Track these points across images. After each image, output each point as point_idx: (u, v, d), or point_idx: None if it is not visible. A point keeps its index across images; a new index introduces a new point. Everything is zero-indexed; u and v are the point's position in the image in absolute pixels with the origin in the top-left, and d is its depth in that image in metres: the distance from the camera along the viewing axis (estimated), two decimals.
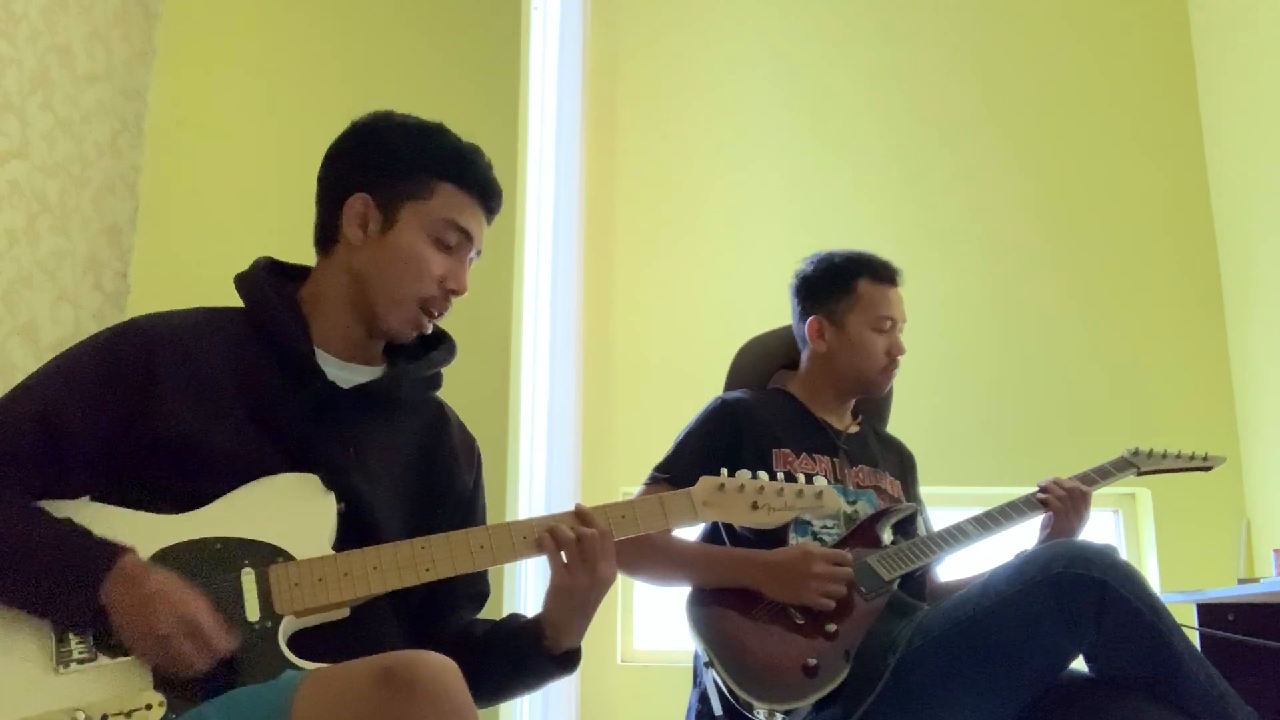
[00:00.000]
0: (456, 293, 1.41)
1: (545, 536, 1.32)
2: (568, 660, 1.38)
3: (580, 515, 1.34)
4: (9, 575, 1.15)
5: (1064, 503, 1.97)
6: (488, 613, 1.53)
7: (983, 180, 3.77)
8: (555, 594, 1.34)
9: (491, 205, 1.45)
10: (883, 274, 2.10)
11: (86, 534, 1.18)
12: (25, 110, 2.53)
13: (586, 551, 1.31)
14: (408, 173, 1.40)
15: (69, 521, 1.19)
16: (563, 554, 1.31)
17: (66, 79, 2.66)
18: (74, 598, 1.14)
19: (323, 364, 1.37)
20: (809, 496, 1.50)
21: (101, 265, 2.76)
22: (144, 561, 1.17)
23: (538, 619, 1.37)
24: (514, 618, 1.45)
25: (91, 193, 2.73)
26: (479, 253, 1.46)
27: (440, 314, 1.43)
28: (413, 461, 1.43)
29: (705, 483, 1.47)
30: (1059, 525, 1.97)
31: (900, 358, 2.09)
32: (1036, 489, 2.02)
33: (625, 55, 3.92)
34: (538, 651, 1.36)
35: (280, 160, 2.90)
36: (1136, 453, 2.12)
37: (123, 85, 2.87)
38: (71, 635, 1.15)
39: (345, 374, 1.39)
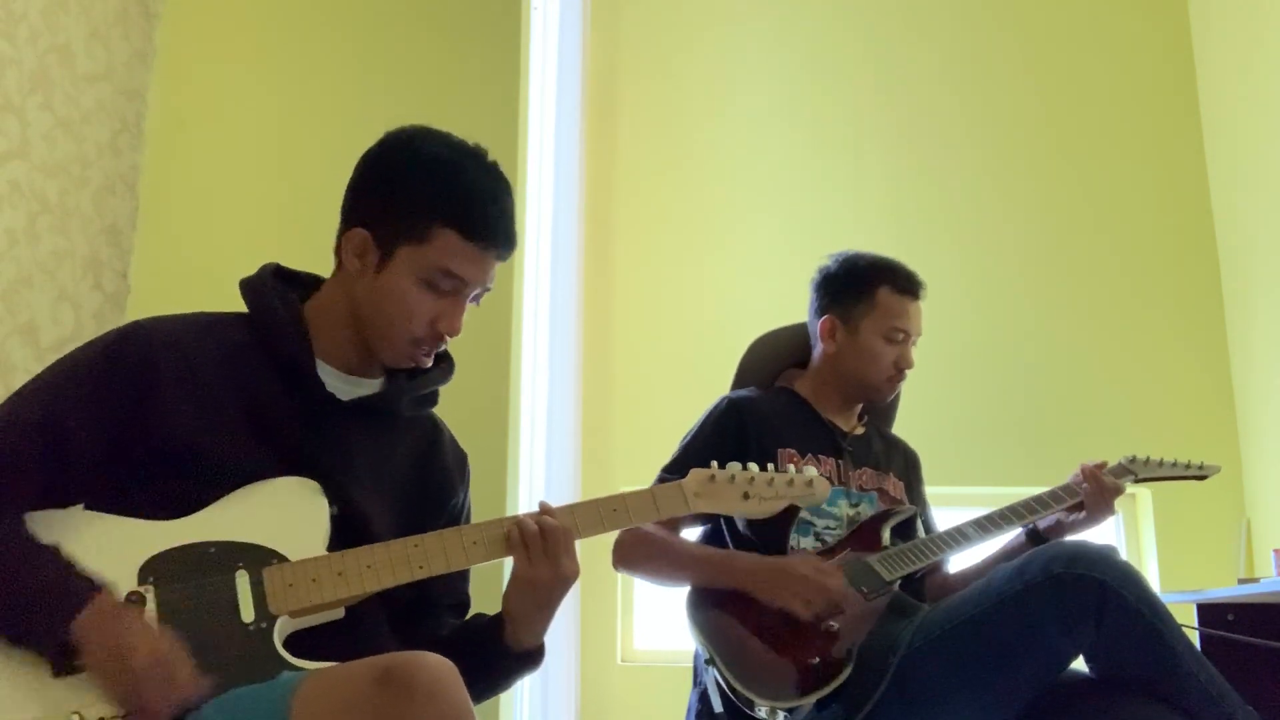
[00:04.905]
0: (449, 334, 1.39)
1: (513, 529, 1.33)
2: (530, 658, 1.39)
3: (544, 509, 1.36)
4: None
5: (1095, 488, 1.97)
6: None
7: (981, 181, 3.77)
8: (517, 586, 1.35)
9: (499, 253, 1.40)
10: (905, 285, 2.08)
11: (67, 568, 1.16)
12: (25, 110, 2.53)
13: (549, 543, 1.32)
14: (409, 214, 1.36)
15: (55, 551, 1.17)
16: (527, 546, 1.32)
17: (66, 79, 2.66)
18: (45, 634, 1.12)
19: (323, 375, 1.37)
20: (799, 485, 1.50)
21: (101, 265, 2.76)
22: (119, 601, 1.16)
23: (499, 616, 1.38)
24: (478, 617, 1.46)
25: (91, 193, 2.73)
26: (488, 289, 1.42)
27: (433, 351, 1.41)
28: (406, 475, 1.44)
29: (696, 474, 1.48)
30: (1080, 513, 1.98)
31: (907, 371, 2.08)
32: (1077, 471, 2.01)
33: (625, 55, 3.92)
34: (500, 648, 1.37)
35: (280, 160, 2.90)
36: (1134, 460, 2.12)
37: (123, 85, 2.87)
38: None
39: (346, 386, 1.40)
